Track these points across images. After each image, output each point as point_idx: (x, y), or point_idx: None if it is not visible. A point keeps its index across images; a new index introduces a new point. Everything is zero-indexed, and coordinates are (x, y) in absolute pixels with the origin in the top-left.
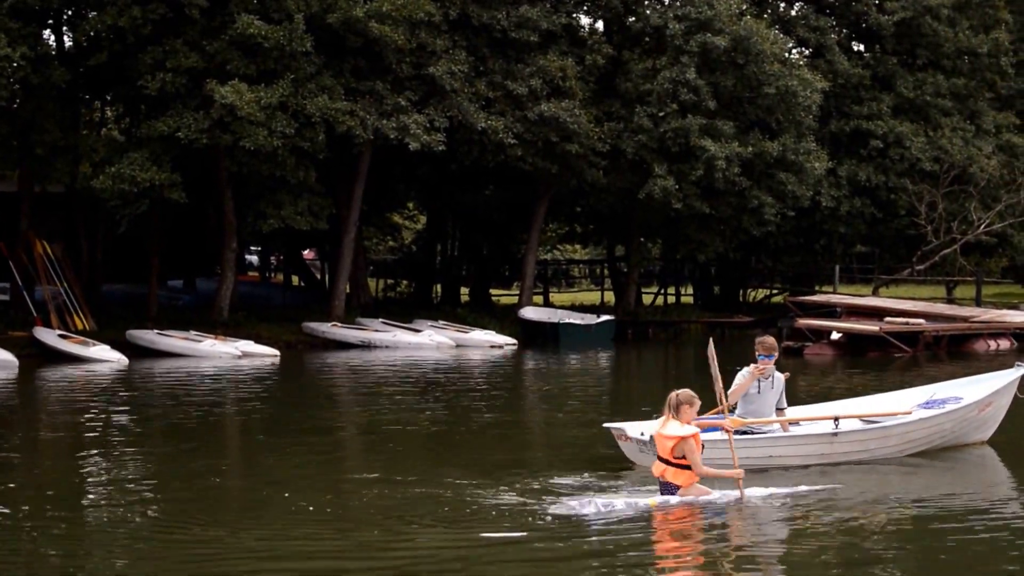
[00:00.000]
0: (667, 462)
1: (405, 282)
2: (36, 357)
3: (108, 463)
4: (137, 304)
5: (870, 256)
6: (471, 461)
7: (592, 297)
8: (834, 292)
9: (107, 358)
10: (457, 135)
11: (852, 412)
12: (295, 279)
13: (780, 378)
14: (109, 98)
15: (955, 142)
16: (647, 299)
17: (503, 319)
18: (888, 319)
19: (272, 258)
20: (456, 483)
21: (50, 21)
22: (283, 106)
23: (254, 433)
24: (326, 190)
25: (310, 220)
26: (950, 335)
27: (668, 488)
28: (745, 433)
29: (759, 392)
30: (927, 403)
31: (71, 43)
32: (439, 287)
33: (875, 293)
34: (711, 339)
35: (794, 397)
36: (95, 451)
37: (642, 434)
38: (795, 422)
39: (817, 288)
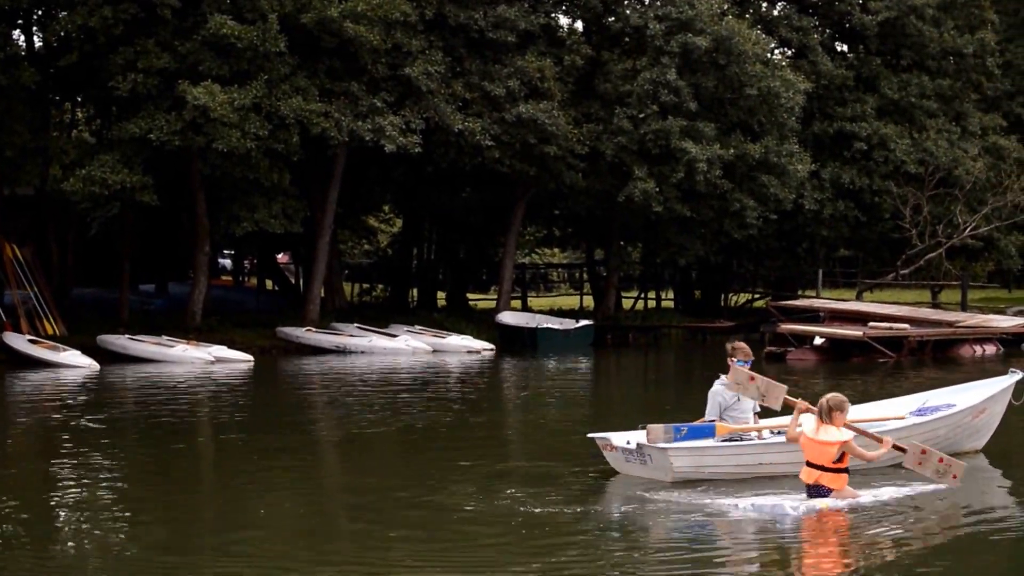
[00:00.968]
0: (823, 468)
1: (381, 286)
2: (5, 363)
3: (75, 470)
4: (108, 308)
5: (854, 260)
6: (449, 471)
7: (571, 302)
8: (817, 296)
9: (78, 363)
10: (433, 137)
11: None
12: (269, 283)
13: None
14: (80, 99)
15: (940, 144)
16: (627, 303)
17: (480, 324)
18: (872, 324)
19: (246, 262)
20: (433, 497)
21: (20, 21)
22: (257, 107)
23: (226, 440)
24: (300, 193)
25: (284, 223)
26: (935, 340)
27: (820, 492)
28: (732, 440)
29: (739, 399)
30: (920, 410)
31: (41, 43)
32: (415, 291)
33: (859, 298)
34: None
35: None
36: (62, 458)
37: (628, 443)
38: (784, 429)
39: (800, 292)
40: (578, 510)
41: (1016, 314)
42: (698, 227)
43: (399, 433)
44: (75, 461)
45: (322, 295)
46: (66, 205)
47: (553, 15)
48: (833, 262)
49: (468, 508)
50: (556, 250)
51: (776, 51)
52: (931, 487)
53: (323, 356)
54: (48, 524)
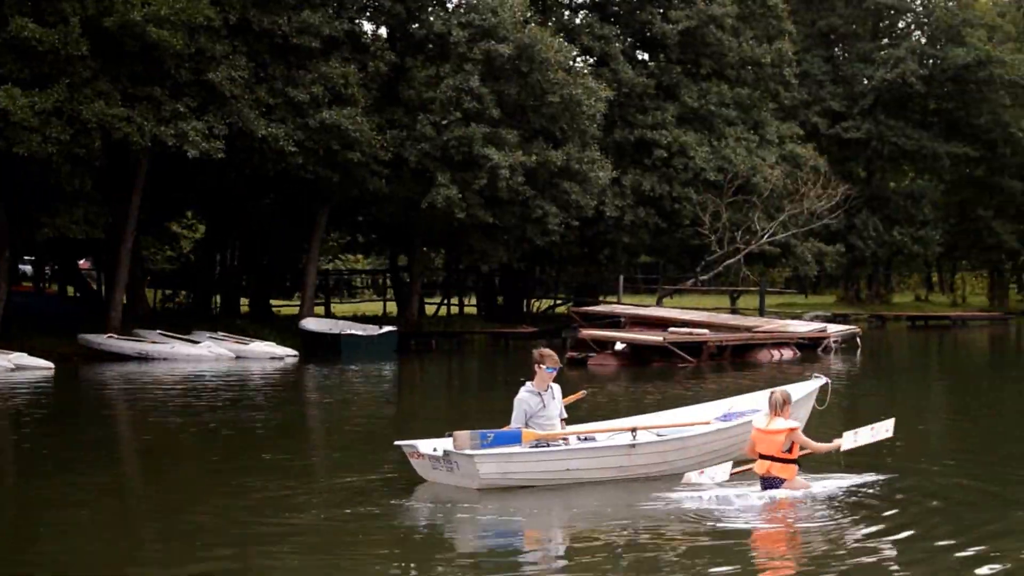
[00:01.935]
0: (773, 458)
1: (184, 292)
2: None
3: None
4: None
5: (654, 266)
6: (252, 481)
7: (374, 308)
8: (618, 302)
9: None
10: (237, 142)
11: (650, 424)
12: (70, 289)
13: (558, 388)
14: None
15: (739, 152)
16: (430, 309)
17: (284, 330)
18: (672, 329)
19: (46, 268)
20: (236, 512)
21: None
22: (58, 111)
23: (22, 451)
24: (102, 198)
25: (86, 229)
26: (734, 345)
27: (772, 483)
28: (539, 447)
29: (544, 405)
30: (725, 416)
31: None
32: (218, 298)
33: (659, 303)
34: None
35: (579, 409)
36: None
37: (435, 450)
38: (591, 435)
39: (601, 298)
40: (383, 517)
41: (812, 319)
42: (501, 233)
43: (198, 442)
44: None
45: (124, 301)
46: None
47: (357, 21)
48: (634, 268)
49: (272, 520)
50: (360, 256)
51: (578, 59)
52: (872, 477)
53: (125, 363)
54: None
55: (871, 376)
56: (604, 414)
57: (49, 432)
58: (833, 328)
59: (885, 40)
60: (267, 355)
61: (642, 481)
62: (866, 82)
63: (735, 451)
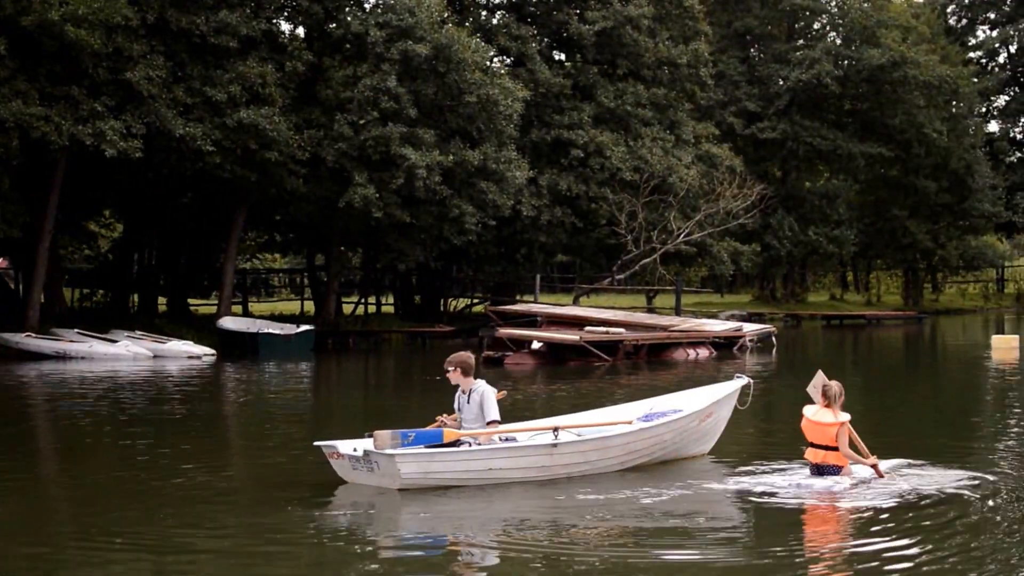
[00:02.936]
0: (828, 448)
1: (101, 292)
2: None
3: None
4: None
5: (571, 266)
6: (168, 483)
7: (292, 307)
8: (535, 302)
9: None
10: (155, 142)
11: (572, 424)
12: None
13: (488, 391)
14: None
15: (655, 152)
16: (348, 308)
17: (201, 329)
18: (588, 328)
19: None
20: (148, 507)
21: None
22: None
23: None
24: (20, 197)
25: (3, 228)
26: (650, 344)
27: (829, 471)
28: (457, 444)
29: (459, 408)
30: (647, 416)
31: None
32: (136, 297)
33: (576, 302)
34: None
35: (499, 408)
36: None
37: (355, 450)
38: (512, 435)
39: (518, 298)
40: (301, 520)
41: (728, 318)
42: (418, 233)
43: (112, 442)
44: None
45: (42, 300)
46: None
47: (275, 21)
48: (551, 267)
49: (187, 523)
50: (277, 255)
51: (495, 59)
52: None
53: (42, 363)
54: None
55: (787, 374)
56: (523, 413)
57: None
58: (749, 327)
59: (801, 41)
60: (185, 354)
61: (564, 481)
62: (782, 83)
63: (657, 451)
